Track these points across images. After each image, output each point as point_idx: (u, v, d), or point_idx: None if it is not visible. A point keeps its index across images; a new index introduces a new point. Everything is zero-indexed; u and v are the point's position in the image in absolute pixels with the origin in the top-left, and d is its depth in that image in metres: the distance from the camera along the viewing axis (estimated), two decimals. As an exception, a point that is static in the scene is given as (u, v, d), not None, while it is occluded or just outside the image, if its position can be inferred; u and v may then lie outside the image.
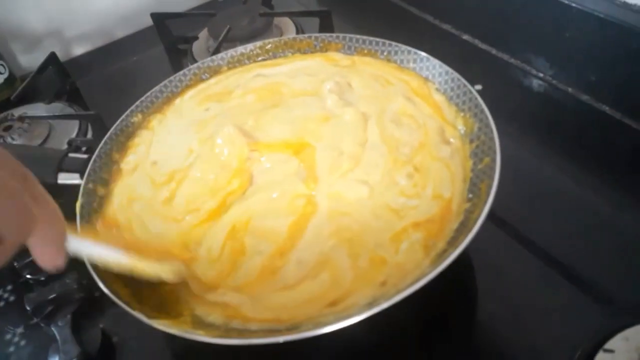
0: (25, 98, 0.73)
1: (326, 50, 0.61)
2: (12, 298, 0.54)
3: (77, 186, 0.48)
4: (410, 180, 0.46)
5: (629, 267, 0.46)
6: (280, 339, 0.34)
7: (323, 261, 0.42)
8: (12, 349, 0.50)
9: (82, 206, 0.46)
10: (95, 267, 0.40)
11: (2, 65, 0.79)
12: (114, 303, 0.50)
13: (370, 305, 0.35)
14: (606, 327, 0.40)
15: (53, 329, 0.47)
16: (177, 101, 0.59)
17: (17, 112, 0.71)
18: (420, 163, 0.47)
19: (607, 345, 0.39)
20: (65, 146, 0.65)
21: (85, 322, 0.48)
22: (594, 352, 0.39)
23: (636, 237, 0.48)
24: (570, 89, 0.65)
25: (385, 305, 0.34)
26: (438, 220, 0.42)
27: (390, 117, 0.52)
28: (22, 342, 0.50)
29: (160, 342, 0.48)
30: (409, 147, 0.49)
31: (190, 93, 0.59)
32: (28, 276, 0.53)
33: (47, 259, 0.30)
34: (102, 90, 0.81)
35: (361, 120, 0.51)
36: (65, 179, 0.50)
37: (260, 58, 0.62)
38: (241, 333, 0.38)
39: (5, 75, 0.80)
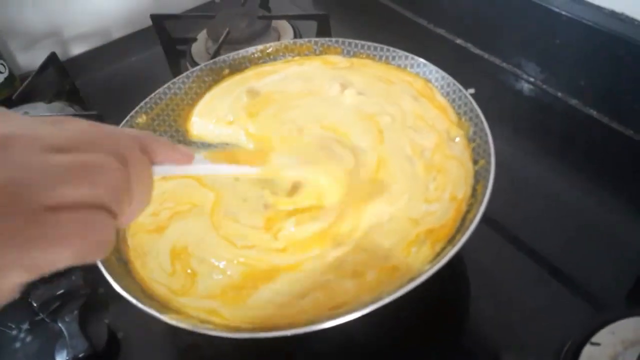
0: (26, 97, 0.74)
1: (325, 54, 0.62)
2: (16, 295, 0.55)
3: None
4: (435, 183, 0.46)
5: (615, 266, 0.48)
6: (288, 332, 0.35)
7: (314, 288, 0.41)
8: (18, 344, 0.51)
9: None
10: (106, 264, 0.42)
11: (2, 64, 0.79)
12: (118, 299, 0.51)
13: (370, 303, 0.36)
14: (593, 322, 0.42)
15: (60, 324, 0.48)
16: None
17: (19, 111, 0.72)
18: (440, 164, 0.47)
19: (594, 339, 0.41)
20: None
21: (91, 318, 0.49)
22: (582, 345, 0.41)
23: (622, 237, 0.51)
24: (559, 94, 0.67)
25: (381, 303, 0.35)
26: (451, 224, 0.43)
27: (410, 122, 0.52)
28: (28, 338, 0.51)
29: (163, 338, 0.49)
30: (429, 149, 0.49)
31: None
32: (33, 273, 0.54)
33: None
34: (100, 90, 0.81)
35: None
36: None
37: (261, 61, 0.64)
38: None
39: (5, 74, 0.80)
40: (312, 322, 0.36)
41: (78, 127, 0.26)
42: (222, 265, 0.43)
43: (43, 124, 0.25)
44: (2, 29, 0.83)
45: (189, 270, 0.44)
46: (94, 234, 0.24)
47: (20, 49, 0.86)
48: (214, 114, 0.57)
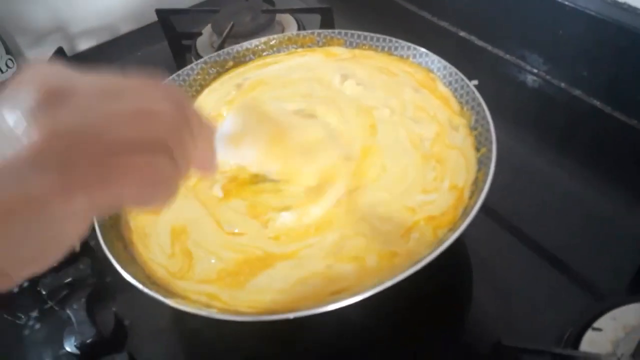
0: (34, 92, 0.75)
1: (328, 46, 0.63)
2: (25, 284, 0.56)
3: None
4: (434, 173, 0.47)
5: (616, 255, 0.48)
6: (291, 315, 0.36)
7: (313, 274, 0.41)
8: (27, 332, 0.52)
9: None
10: (113, 251, 0.42)
11: (10, 59, 0.80)
12: (125, 288, 0.52)
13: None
14: (595, 308, 0.42)
15: (68, 311, 0.49)
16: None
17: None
18: (439, 154, 0.48)
19: (596, 324, 0.41)
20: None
21: (98, 306, 0.50)
22: (584, 331, 0.41)
23: (624, 227, 0.51)
24: (563, 84, 0.67)
25: (383, 287, 0.36)
26: (452, 212, 0.44)
27: (410, 113, 0.52)
28: (37, 326, 0.52)
29: (167, 324, 0.50)
30: (428, 139, 0.49)
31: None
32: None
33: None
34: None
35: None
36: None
37: (265, 53, 0.64)
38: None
39: (14, 69, 0.81)
40: (314, 307, 0.36)
41: (138, 78, 0.26)
42: (214, 249, 0.44)
43: (102, 76, 0.25)
44: (11, 25, 0.84)
45: (186, 252, 0.44)
46: (155, 176, 0.24)
47: (28, 44, 0.87)
48: (205, 109, 0.58)
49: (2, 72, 0.80)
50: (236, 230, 0.45)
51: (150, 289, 0.40)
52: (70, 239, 0.24)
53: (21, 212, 0.21)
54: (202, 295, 0.41)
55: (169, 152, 0.25)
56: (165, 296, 0.39)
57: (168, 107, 0.25)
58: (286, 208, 0.46)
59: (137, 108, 0.24)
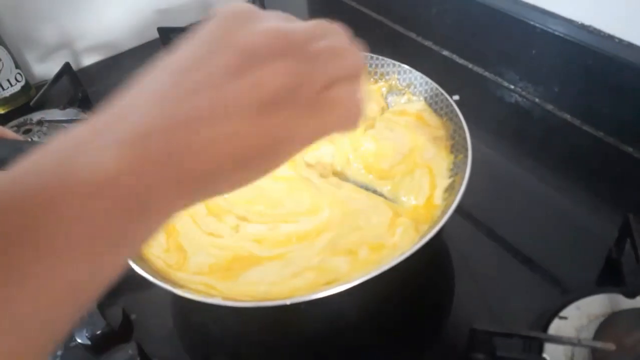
0: (42, 104, 0.78)
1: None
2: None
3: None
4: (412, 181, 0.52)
5: (581, 252, 0.53)
6: (287, 301, 0.39)
7: (306, 269, 0.44)
8: (39, 326, 0.55)
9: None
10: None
11: (19, 74, 0.84)
12: (131, 286, 0.56)
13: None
14: (561, 299, 0.46)
15: (79, 306, 0.52)
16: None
17: (35, 116, 0.77)
18: (402, 173, 0.54)
19: (562, 314, 0.45)
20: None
21: (107, 302, 0.53)
22: (551, 319, 0.45)
23: (589, 227, 0.55)
24: (537, 99, 0.72)
25: (369, 276, 0.39)
26: (423, 210, 0.49)
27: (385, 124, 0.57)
28: (48, 320, 0.55)
29: (171, 319, 0.53)
30: (399, 155, 0.55)
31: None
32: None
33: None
34: (110, 98, 0.86)
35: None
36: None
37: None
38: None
39: (22, 83, 0.85)
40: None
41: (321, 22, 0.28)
42: (203, 246, 0.47)
43: (292, 22, 0.27)
44: (20, 40, 0.87)
45: (179, 247, 0.47)
46: (354, 103, 0.27)
47: (36, 59, 0.91)
48: None
49: (11, 85, 0.84)
50: (212, 231, 0.48)
51: (159, 280, 0.43)
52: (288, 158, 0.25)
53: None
54: (200, 285, 0.44)
55: (357, 81, 0.28)
56: (173, 286, 0.43)
57: (352, 47, 0.28)
58: (247, 220, 0.49)
59: (334, 46, 0.26)
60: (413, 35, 0.89)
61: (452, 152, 0.53)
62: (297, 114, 0.24)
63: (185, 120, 0.22)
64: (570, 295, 0.47)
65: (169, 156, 0.21)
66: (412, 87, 0.61)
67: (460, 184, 0.46)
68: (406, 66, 0.61)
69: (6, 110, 0.85)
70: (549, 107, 0.71)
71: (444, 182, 0.51)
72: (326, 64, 0.25)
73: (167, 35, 0.88)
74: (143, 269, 0.44)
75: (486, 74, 0.78)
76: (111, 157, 0.20)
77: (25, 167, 0.20)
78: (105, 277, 0.21)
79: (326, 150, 0.56)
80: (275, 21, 0.25)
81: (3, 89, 0.83)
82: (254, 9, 0.26)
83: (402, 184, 0.52)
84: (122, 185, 0.20)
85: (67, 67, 0.83)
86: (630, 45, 0.61)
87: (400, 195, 0.52)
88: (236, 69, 0.23)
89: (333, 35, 0.27)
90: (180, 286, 0.45)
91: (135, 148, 0.21)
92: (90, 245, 0.20)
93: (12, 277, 0.18)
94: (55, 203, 0.19)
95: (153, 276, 0.43)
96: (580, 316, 0.45)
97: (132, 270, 0.43)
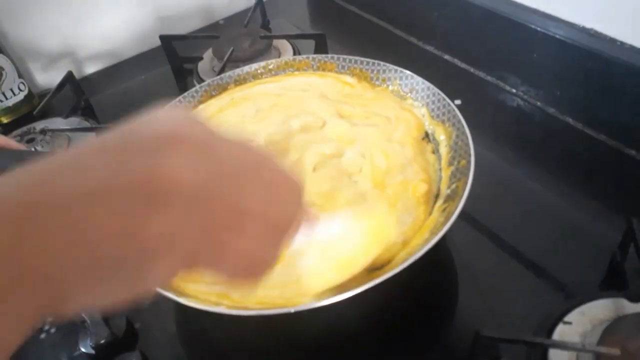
0: (46, 113, 0.79)
1: (322, 70, 0.68)
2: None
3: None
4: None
5: (584, 257, 0.52)
6: (292, 309, 0.39)
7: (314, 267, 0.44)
8: (43, 335, 0.55)
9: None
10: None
11: (22, 83, 0.85)
12: (135, 294, 0.56)
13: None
14: (565, 304, 0.46)
15: (84, 315, 0.53)
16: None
17: (38, 125, 0.77)
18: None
19: (566, 319, 0.45)
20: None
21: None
22: (555, 324, 0.45)
23: (593, 231, 0.55)
24: (539, 103, 0.72)
25: (372, 284, 0.39)
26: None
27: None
28: (53, 330, 0.55)
29: (174, 327, 0.54)
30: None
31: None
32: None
33: None
34: (113, 105, 0.86)
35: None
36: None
37: (264, 76, 0.69)
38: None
39: (25, 92, 0.86)
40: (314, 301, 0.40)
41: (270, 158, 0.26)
42: None
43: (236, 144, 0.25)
44: (22, 50, 0.88)
45: None
46: (270, 247, 0.25)
47: (38, 68, 0.92)
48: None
49: (15, 94, 0.84)
50: None
51: (163, 289, 0.43)
52: (146, 289, 0.22)
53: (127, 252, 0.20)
54: (212, 296, 0.44)
55: (276, 238, 0.25)
56: (177, 296, 0.43)
57: (297, 197, 0.26)
58: None
59: (275, 182, 0.25)
60: (414, 40, 0.90)
61: (449, 165, 0.53)
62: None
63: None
64: (575, 300, 0.47)
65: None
66: (414, 92, 0.61)
67: (464, 189, 0.46)
68: (408, 72, 0.62)
69: (9, 119, 0.86)
70: (551, 110, 0.71)
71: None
72: (252, 197, 0.23)
73: (169, 43, 0.89)
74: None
75: (488, 78, 0.78)
76: None
77: None
78: None
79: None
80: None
81: (6, 98, 0.84)
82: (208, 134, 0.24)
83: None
84: None
85: (69, 75, 0.83)
86: (631, 48, 0.61)
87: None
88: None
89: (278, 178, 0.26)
90: (189, 296, 0.45)
91: None
92: None
93: None
94: None
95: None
96: (584, 321, 0.45)
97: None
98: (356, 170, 0.53)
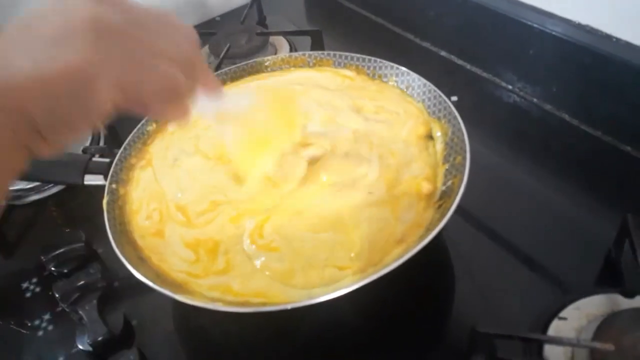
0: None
1: (318, 66, 0.68)
2: (37, 289, 0.60)
3: (102, 186, 0.54)
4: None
5: (580, 253, 0.53)
6: (289, 306, 0.39)
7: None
8: (41, 333, 0.55)
9: (107, 203, 0.52)
10: (124, 253, 0.46)
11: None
12: (132, 292, 0.56)
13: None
14: (560, 300, 0.47)
15: (81, 312, 0.52)
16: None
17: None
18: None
19: (562, 314, 0.46)
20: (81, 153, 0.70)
21: (108, 308, 0.54)
22: (550, 320, 0.45)
23: (589, 228, 0.55)
24: (535, 99, 0.72)
25: (369, 279, 0.39)
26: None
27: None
28: (50, 327, 0.56)
29: (171, 324, 0.54)
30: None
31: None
32: (53, 269, 0.58)
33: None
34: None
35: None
36: (91, 180, 0.56)
37: (260, 73, 0.69)
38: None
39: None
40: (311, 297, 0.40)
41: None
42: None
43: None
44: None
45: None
46: (173, 89, 0.32)
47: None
48: None
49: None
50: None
51: (159, 286, 0.43)
52: (96, 113, 0.29)
53: (65, 77, 0.27)
54: (216, 291, 0.44)
55: (188, 72, 0.32)
56: (174, 292, 0.43)
57: (194, 38, 0.35)
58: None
59: (174, 29, 0.33)
60: (411, 36, 0.90)
61: (445, 161, 0.53)
62: (104, 57, 0.28)
63: None
64: (570, 296, 0.47)
65: None
66: (411, 89, 0.61)
67: (459, 186, 0.46)
68: (404, 68, 0.62)
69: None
70: (547, 107, 0.71)
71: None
72: (157, 37, 0.32)
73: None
74: (144, 274, 0.44)
75: (484, 74, 0.78)
76: None
77: None
78: None
79: None
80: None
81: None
82: None
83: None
84: None
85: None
86: (627, 45, 0.61)
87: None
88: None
89: (178, 24, 0.34)
90: (191, 293, 0.45)
91: None
92: None
93: None
94: None
95: (154, 282, 0.44)
96: (579, 316, 0.46)
97: (132, 276, 0.44)
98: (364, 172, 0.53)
